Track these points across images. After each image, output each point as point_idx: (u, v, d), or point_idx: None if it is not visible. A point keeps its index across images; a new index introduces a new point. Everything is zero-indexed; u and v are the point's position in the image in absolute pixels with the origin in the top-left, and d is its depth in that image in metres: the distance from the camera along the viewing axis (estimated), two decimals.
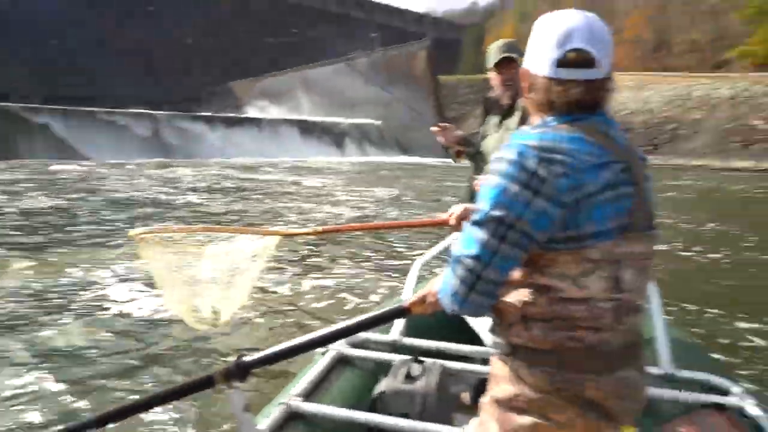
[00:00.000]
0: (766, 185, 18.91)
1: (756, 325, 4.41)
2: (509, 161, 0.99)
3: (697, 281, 6.03)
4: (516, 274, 1.03)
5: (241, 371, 1.27)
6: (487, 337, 1.29)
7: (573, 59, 1.00)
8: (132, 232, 1.80)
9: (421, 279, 2.14)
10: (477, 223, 1.00)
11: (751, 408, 1.57)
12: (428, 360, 1.79)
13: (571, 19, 1.01)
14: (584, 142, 0.99)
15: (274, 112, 50.56)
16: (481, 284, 1.00)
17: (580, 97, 1.01)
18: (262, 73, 60.14)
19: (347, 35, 79.12)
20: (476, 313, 1.08)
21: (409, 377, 1.72)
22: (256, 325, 4.39)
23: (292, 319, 4.63)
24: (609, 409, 1.02)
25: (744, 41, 35.99)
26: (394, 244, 7.38)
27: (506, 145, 1.02)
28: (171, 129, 36.20)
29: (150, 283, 5.06)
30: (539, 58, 1.03)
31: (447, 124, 2.56)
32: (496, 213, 0.98)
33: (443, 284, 1.07)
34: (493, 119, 2.49)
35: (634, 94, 34.25)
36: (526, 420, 1.04)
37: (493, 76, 2.40)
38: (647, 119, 33.28)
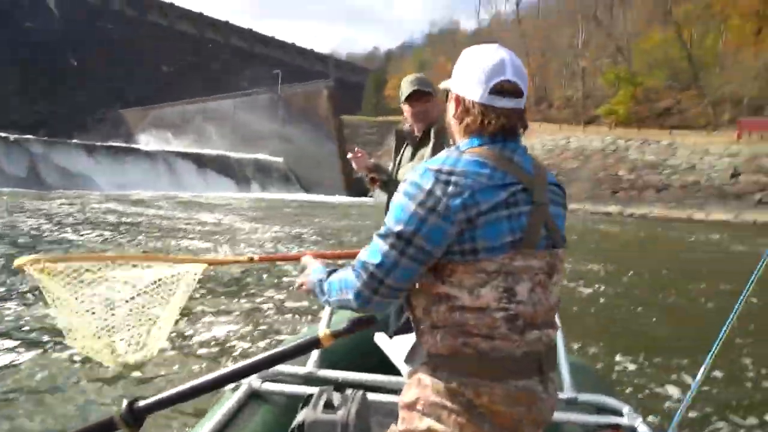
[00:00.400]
0: (630, 227, 21.36)
1: (634, 350, 4.78)
2: (411, 182, 1.07)
3: (583, 311, 6.48)
4: (422, 283, 1.10)
5: (135, 416, 1.08)
6: (403, 367, 1.23)
7: (508, 88, 1.10)
8: (19, 260, 1.55)
9: (336, 311, 2.04)
10: (381, 236, 1.09)
11: (641, 427, 1.73)
12: (348, 389, 1.73)
13: (501, 52, 1.12)
14: (484, 166, 1.06)
15: (168, 143, 48.07)
16: (383, 289, 1.09)
17: (509, 124, 1.11)
18: (157, 102, 57.38)
19: (249, 70, 78.50)
20: (376, 312, 1.17)
21: (329, 407, 1.65)
22: (157, 363, 3.96)
23: (198, 355, 4.29)
24: (502, 418, 1.06)
25: (608, 101, 40.99)
26: None
27: (414, 168, 1.10)
28: (48, 157, 32.95)
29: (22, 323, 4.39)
30: (473, 86, 1.11)
31: (361, 152, 2.59)
32: (396, 228, 1.06)
33: (344, 282, 1.15)
34: (407, 150, 2.59)
35: (525, 141, 37.41)
36: (423, 423, 1.10)
37: (406, 109, 2.47)
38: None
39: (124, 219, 15.12)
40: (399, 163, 2.59)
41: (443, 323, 1.08)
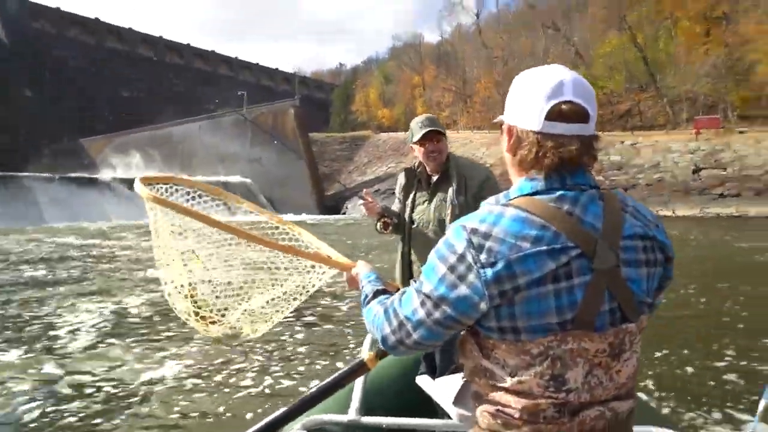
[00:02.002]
0: None
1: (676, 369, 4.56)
2: (445, 240, 0.96)
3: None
4: (472, 350, 0.99)
5: None
6: (452, 410, 1.16)
7: (566, 111, 0.92)
8: (141, 181, 1.39)
9: (376, 343, 1.88)
10: (416, 289, 1.00)
11: None
12: None
13: (560, 72, 0.95)
14: (529, 225, 0.89)
15: (132, 171, 46.87)
16: (409, 341, 1.01)
17: (572, 155, 0.92)
18: (119, 129, 56.07)
19: (214, 92, 77.67)
20: (401, 356, 1.12)
21: None
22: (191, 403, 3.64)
23: (229, 396, 3.96)
24: None
25: None
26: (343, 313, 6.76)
27: (455, 222, 0.98)
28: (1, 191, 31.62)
29: None
30: (527, 112, 0.95)
31: (370, 195, 2.56)
32: (425, 288, 0.97)
33: (377, 319, 1.08)
34: (422, 190, 2.57)
35: (491, 150, 37.78)
36: None
37: (418, 149, 2.48)
38: (504, 171, 36.71)
39: (83, 252, 14.44)
40: (413, 204, 2.56)
41: (485, 398, 0.98)
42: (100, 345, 5.28)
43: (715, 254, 12.63)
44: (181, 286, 1.49)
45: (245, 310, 1.54)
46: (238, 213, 1.76)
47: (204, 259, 1.52)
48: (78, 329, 5.90)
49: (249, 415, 3.64)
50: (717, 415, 3.55)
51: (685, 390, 3.97)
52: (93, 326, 6.02)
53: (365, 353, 1.34)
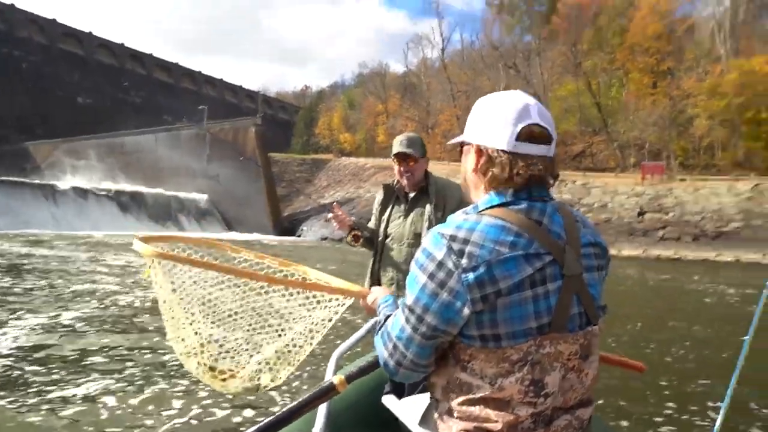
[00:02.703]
0: None
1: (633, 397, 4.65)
2: (423, 249, 0.97)
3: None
4: (445, 366, 1.00)
5: None
6: (418, 430, 1.15)
7: (536, 134, 0.98)
8: (139, 239, 1.34)
9: (339, 368, 1.80)
10: (402, 306, 1.01)
11: None
12: None
13: (524, 96, 1.02)
14: (506, 232, 0.93)
15: (80, 179, 44.97)
16: (406, 362, 1.01)
17: (541, 174, 0.99)
18: (70, 135, 53.91)
19: (174, 105, 76.13)
20: (407, 381, 1.08)
21: None
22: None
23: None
24: None
25: None
26: None
27: (429, 231, 1.01)
28: None
29: None
30: (498, 133, 0.99)
31: (340, 209, 2.58)
32: (409, 302, 0.98)
33: (378, 344, 1.07)
34: (399, 206, 2.62)
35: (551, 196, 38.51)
36: None
37: (395, 166, 2.55)
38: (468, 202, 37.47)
39: (15, 261, 13.60)
40: (389, 219, 2.59)
41: (460, 414, 0.97)
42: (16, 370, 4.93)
43: (654, 294, 13.18)
44: (192, 346, 1.44)
45: (259, 362, 1.49)
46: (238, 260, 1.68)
47: (209, 312, 1.48)
48: None
49: None
50: None
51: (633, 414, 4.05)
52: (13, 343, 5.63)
53: (331, 375, 1.31)
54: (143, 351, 5.52)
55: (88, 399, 4.07)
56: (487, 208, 0.99)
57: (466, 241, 0.92)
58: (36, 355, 5.23)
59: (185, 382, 4.51)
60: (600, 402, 4.44)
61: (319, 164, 54.42)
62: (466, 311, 0.91)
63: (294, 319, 1.53)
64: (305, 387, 4.16)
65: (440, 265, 0.93)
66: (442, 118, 53.60)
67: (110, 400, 4.04)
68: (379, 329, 1.13)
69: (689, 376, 5.44)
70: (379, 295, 1.34)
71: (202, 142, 47.31)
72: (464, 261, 0.91)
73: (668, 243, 28.31)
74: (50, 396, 4.08)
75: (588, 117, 44.11)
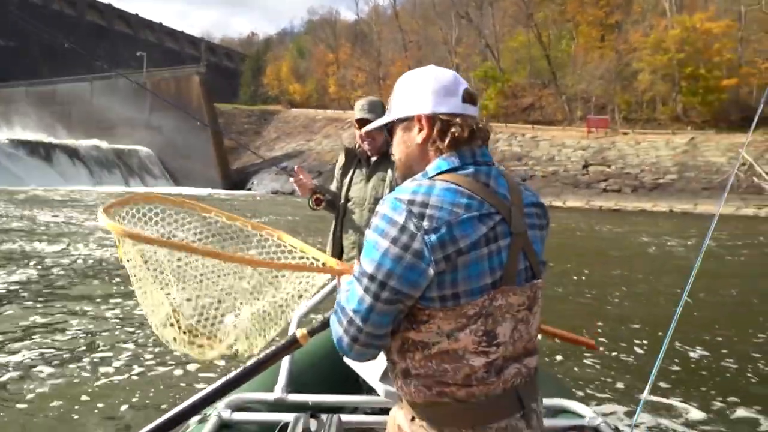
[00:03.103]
0: None
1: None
2: (381, 215, 0.99)
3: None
4: (398, 326, 1.03)
5: None
6: (379, 386, 1.21)
7: (472, 96, 1.08)
8: (104, 212, 1.33)
9: (302, 324, 1.78)
10: (357, 277, 1.01)
11: (604, 427, 1.71)
12: (323, 415, 1.62)
13: (445, 69, 1.10)
14: (460, 195, 0.98)
15: (7, 130, 41.71)
16: (362, 337, 1.01)
17: (476, 129, 1.05)
18: None
19: (109, 50, 70.91)
20: (360, 360, 1.07)
21: None
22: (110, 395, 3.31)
23: (154, 380, 3.71)
24: None
25: (480, 96, 43.49)
26: None
27: (383, 199, 1.02)
28: None
29: None
30: (444, 100, 1.06)
31: (302, 172, 2.55)
32: (369, 269, 0.98)
33: (332, 322, 1.07)
34: (361, 170, 2.62)
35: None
36: None
37: (356, 131, 2.54)
38: None
39: None
40: (350, 183, 2.60)
41: (417, 371, 1.02)
42: None
43: (595, 241, 13.85)
44: (166, 315, 1.44)
45: (235, 326, 1.50)
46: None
47: (182, 282, 1.46)
48: None
49: (171, 397, 3.48)
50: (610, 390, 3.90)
51: (576, 366, 4.27)
52: None
53: (294, 329, 1.31)
54: (85, 316, 5.30)
55: (23, 368, 3.88)
56: (436, 174, 1.03)
57: (425, 205, 0.96)
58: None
59: (131, 346, 4.38)
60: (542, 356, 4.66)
61: (268, 116, 52.73)
62: (431, 272, 0.95)
63: (266, 291, 1.54)
64: None
65: (402, 228, 0.95)
66: (394, 69, 52.64)
67: (47, 369, 3.87)
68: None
69: (629, 320, 5.77)
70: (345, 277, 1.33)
71: (142, 91, 44.59)
72: (425, 223, 0.94)
73: (610, 194, 29.61)
74: None
75: (538, 69, 44.45)
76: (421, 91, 1.08)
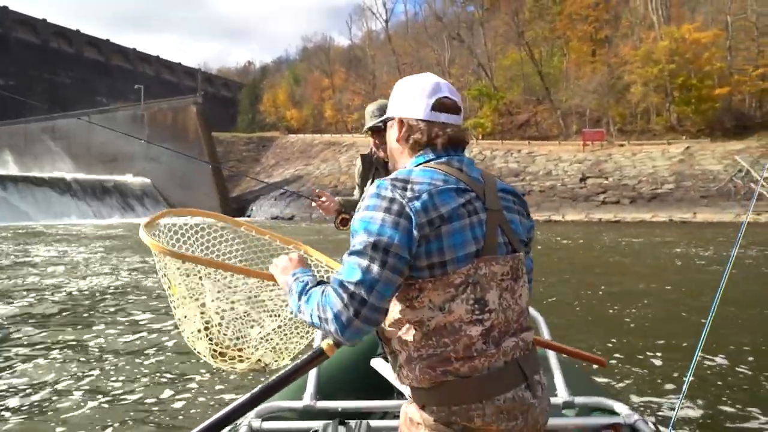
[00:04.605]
0: None
1: (620, 347, 4.82)
2: (371, 195, 1.08)
3: (563, 311, 6.46)
4: (395, 313, 1.09)
5: None
6: (406, 390, 1.17)
7: (448, 104, 1.16)
8: (148, 238, 1.43)
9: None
10: (356, 252, 1.04)
11: (641, 424, 1.69)
12: (352, 421, 1.65)
13: (434, 77, 1.20)
14: (436, 173, 1.10)
15: (6, 166, 42.02)
16: (365, 310, 1.02)
17: (454, 135, 1.16)
18: None
19: (107, 85, 71.92)
20: (353, 339, 1.06)
21: None
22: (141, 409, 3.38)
23: (184, 392, 3.81)
24: None
25: (475, 114, 43.89)
26: None
27: (371, 185, 1.12)
28: None
29: None
30: (416, 105, 1.17)
31: (324, 194, 2.49)
32: (371, 239, 1.03)
33: (326, 299, 1.05)
34: (380, 174, 2.54)
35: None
36: None
37: (371, 137, 2.47)
38: None
39: None
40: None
41: (419, 353, 1.06)
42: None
43: (595, 251, 13.76)
44: (198, 330, 1.51)
45: (262, 339, 1.57)
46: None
47: (212, 295, 1.54)
48: None
49: (202, 410, 3.55)
50: None
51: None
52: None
53: (319, 341, 1.35)
54: (85, 342, 5.23)
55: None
56: (415, 166, 1.14)
57: (406, 181, 1.07)
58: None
59: (150, 368, 4.30)
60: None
61: (266, 142, 53.15)
62: (417, 236, 1.03)
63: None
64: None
65: (392, 200, 1.04)
66: (389, 91, 52.92)
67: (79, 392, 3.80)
68: (306, 292, 1.12)
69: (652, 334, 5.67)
70: (290, 266, 1.27)
71: (140, 123, 45.09)
72: (408, 194, 1.05)
73: (608, 206, 29.55)
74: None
75: (531, 86, 44.88)
76: (402, 95, 1.20)
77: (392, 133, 1.21)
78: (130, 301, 7.70)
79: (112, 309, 7.03)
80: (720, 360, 4.60)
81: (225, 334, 1.53)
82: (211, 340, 1.50)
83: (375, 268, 1.02)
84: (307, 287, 1.14)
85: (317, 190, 2.51)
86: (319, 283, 1.15)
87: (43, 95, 60.65)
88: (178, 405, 3.72)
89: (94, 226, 28.44)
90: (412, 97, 1.17)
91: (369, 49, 58.40)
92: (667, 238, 17.90)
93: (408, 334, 1.07)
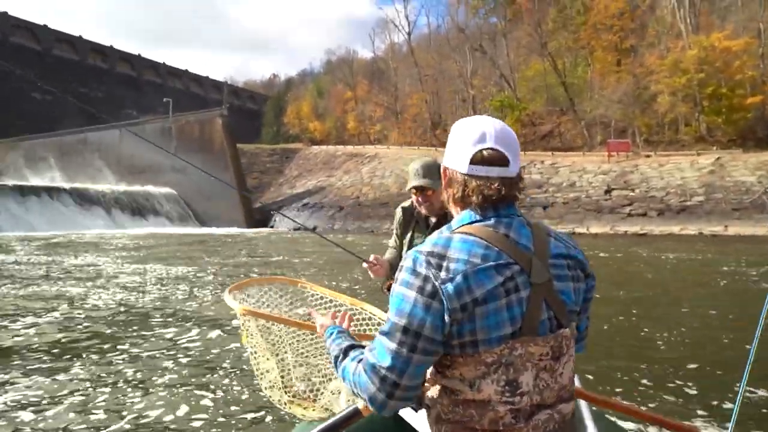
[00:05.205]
0: None
1: (656, 379, 4.53)
2: (406, 269, 1.04)
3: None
4: (429, 374, 1.08)
5: None
6: None
7: (487, 157, 1.08)
8: (233, 303, 1.66)
9: None
10: (386, 334, 1.04)
11: None
12: None
13: (485, 122, 1.12)
14: (476, 246, 1.03)
15: (42, 178, 43.49)
16: (398, 392, 1.03)
17: (494, 193, 1.08)
18: (27, 133, 52.03)
19: (138, 98, 74.00)
20: (392, 414, 1.09)
21: None
22: None
23: None
24: None
25: None
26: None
27: (407, 253, 1.09)
28: None
29: None
30: (457, 157, 1.11)
31: (377, 258, 2.52)
32: (402, 322, 1.01)
33: (358, 381, 1.09)
34: (420, 231, 2.59)
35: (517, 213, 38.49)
36: None
37: (413, 195, 2.49)
38: None
39: None
40: (411, 243, 2.58)
41: (447, 417, 1.06)
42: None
43: (625, 265, 13.42)
44: (273, 379, 1.69)
45: (332, 391, 1.69)
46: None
47: (288, 350, 1.74)
48: None
49: (254, 421, 3.58)
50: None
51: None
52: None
53: (358, 401, 1.37)
54: (120, 352, 5.32)
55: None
56: (459, 227, 1.08)
57: (442, 257, 1.02)
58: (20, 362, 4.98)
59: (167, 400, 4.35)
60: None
61: (290, 154, 53.80)
62: (447, 319, 0.99)
63: None
64: None
65: (426, 278, 1.01)
66: (411, 102, 53.37)
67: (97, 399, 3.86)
68: (342, 363, 1.18)
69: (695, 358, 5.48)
70: (322, 322, 1.41)
71: (168, 135, 46.19)
72: (443, 273, 1.00)
73: (635, 219, 28.88)
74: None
75: (555, 96, 44.43)
76: (450, 141, 1.16)
77: (443, 182, 1.18)
78: (157, 314, 7.81)
79: (139, 321, 7.13)
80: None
81: (299, 384, 1.69)
82: (286, 388, 1.65)
83: (405, 351, 1.02)
84: (339, 358, 1.20)
85: (373, 257, 2.54)
86: (352, 347, 1.21)
87: (75, 109, 62.72)
88: (196, 423, 3.70)
89: (119, 235, 29.10)
90: (457, 146, 1.12)
91: (392, 61, 58.75)
92: (700, 253, 17.37)
93: (438, 397, 1.07)
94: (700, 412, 3.86)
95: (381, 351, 1.04)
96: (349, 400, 1.68)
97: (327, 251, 18.24)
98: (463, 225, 1.09)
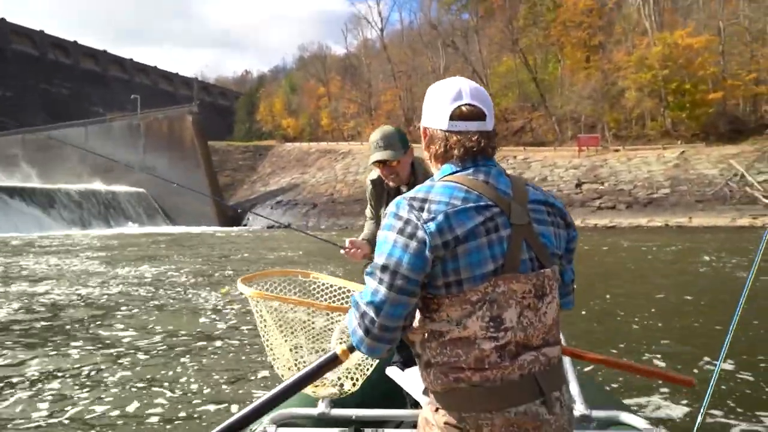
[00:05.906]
0: None
1: (637, 357, 4.68)
2: (389, 213, 1.10)
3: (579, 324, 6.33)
4: (417, 321, 1.11)
5: None
6: (423, 399, 1.22)
7: (466, 112, 1.13)
8: (245, 289, 1.72)
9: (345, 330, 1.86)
10: (369, 273, 1.09)
11: None
12: (366, 430, 1.70)
13: (460, 81, 1.17)
14: (457, 189, 1.07)
15: (2, 178, 41.92)
16: (375, 330, 1.07)
17: (474, 145, 1.12)
18: None
19: (104, 95, 72.03)
20: (372, 355, 1.12)
21: None
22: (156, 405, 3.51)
23: (199, 397, 3.89)
24: None
25: None
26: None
27: (393, 200, 1.12)
28: None
29: None
30: (437, 115, 1.16)
31: (352, 242, 2.43)
32: (381, 261, 1.06)
33: (349, 321, 1.14)
34: (392, 197, 2.48)
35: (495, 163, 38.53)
36: None
37: (377, 168, 2.41)
38: None
39: None
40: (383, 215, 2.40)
41: (435, 360, 1.08)
42: None
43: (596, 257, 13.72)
44: (286, 359, 1.77)
45: (341, 371, 1.77)
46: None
47: (299, 332, 1.80)
48: None
49: (216, 413, 3.62)
50: None
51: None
52: None
53: (335, 346, 1.39)
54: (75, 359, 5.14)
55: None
56: (441, 178, 1.13)
57: (424, 200, 1.06)
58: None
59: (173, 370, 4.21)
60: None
61: (262, 151, 53.16)
62: (430, 258, 1.03)
63: None
64: None
65: (407, 221, 1.05)
66: (384, 98, 53.36)
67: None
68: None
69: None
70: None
71: (137, 133, 45.10)
72: (424, 215, 1.04)
73: (604, 212, 29.55)
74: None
75: (527, 93, 45.02)
76: (427, 103, 1.19)
77: (423, 141, 1.21)
78: (128, 308, 7.61)
79: (110, 318, 6.94)
80: (743, 373, 4.36)
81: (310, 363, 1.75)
82: (298, 369, 1.72)
83: (383, 289, 1.05)
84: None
85: (348, 241, 2.45)
86: None
87: (38, 106, 60.68)
88: (190, 408, 3.74)
89: (83, 236, 28.29)
90: (435, 105, 1.16)
91: (364, 57, 58.58)
92: (665, 242, 17.85)
93: (427, 341, 1.10)
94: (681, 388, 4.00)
95: (366, 289, 1.09)
96: (355, 378, 1.79)
97: (302, 246, 18.11)
98: (444, 176, 1.13)
